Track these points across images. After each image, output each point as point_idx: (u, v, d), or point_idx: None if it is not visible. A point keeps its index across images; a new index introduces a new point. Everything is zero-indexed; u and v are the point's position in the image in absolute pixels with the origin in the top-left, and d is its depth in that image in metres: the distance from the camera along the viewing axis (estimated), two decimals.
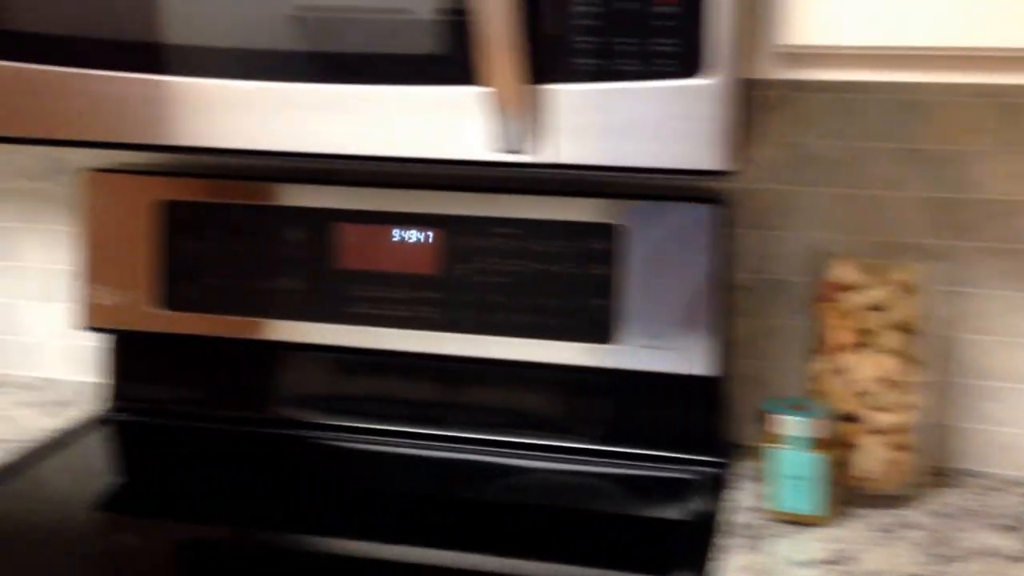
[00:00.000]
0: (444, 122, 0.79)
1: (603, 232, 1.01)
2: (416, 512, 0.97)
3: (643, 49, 0.75)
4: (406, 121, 0.80)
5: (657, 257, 1.00)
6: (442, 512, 0.98)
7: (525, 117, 0.77)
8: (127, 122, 0.86)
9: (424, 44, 0.79)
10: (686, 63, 0.74)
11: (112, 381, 1.17)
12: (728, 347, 1.04)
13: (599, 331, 1.01)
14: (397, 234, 1.03)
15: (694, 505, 0.97)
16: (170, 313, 1.11)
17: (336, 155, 0.84)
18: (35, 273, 1.25)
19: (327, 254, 1.06)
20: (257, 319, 1.09)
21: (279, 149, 0.85)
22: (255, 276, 1.08)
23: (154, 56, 0.85)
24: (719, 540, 0.90)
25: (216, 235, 1.09)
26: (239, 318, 1.09)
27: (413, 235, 1.04)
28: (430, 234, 1.04)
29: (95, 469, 1.08)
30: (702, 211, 0.99)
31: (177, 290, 1.10)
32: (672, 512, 0.98)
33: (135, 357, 1.15)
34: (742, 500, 0.97)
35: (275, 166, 1.12)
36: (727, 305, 1.03)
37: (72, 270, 1.24)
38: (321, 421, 1.12)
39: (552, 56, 0.76)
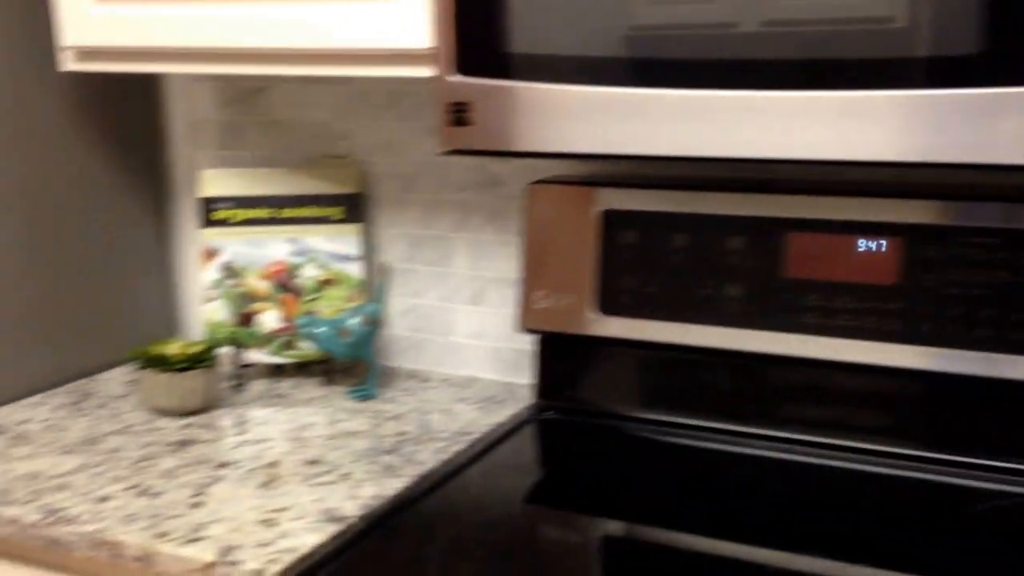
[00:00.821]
0: (978, 125, 0.77)
1: None
2: (860, 527, 0.96)
3: None
4: (929, 125, 0.79)
5: None
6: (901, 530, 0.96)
7: None
8: (604, 132, 0.91)
9: (918, 47, 0.78)
10: None
11: (542, 380, 1.24)
12: None
13: None
14: (856, 243, 1.02)
15: None
16: (605, 318, 1.16)
17: (822, 161, 0.85)
18: (464, 279, 1.36)
19: (773, 263, 1.07)
20: (693, 325, 1.11)
21: (748, 156, 0.87)
22: (693, 283, 1.11)
23: (623, 69, 0.89)
24: None
25: (654, 243, 1.13)
26: (674, 324, 1.12)
27: (868, 243, 1.02)
28: (884, 243, 1.02)
29: (529, 463, 1.14)
30: None
31: (613, 296, 1.15)
32: None
33: (567, 358, 1.21)
34: None
35: (708, 176, 1.15)
36: None
37: (497, 277, 1.33)
38: (747, 430, 1.12)
39: None
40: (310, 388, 1.32)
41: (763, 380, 1.12)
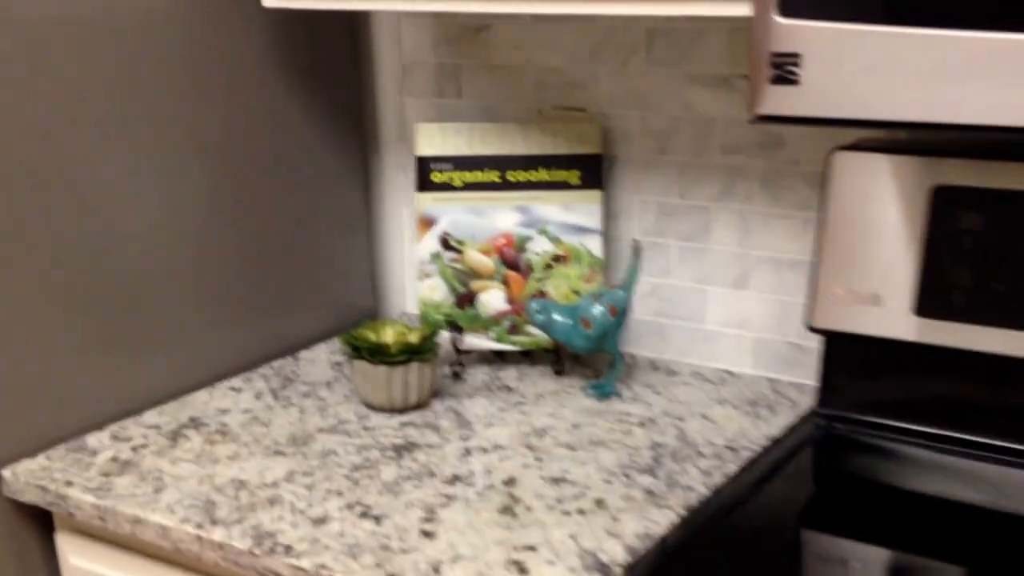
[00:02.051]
0: None
1: None
2: None
3: None
4: None
5: None
6: None
7: None
8: (1005, 96, 0.67)
9: None
10: None
11: (828, 387, 1.00)
12: None
13: None
14: None
15: None
16: (925, 320, 0.92)
17: None
18: (726, 258, 1.14)
19: None
20: None
21: None
22: None
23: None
24: None
25: (1005, 230, 0.88)
26: (1021, 334, 0.88)
27: None
28: None
29: (825, 497, 0.92)
30: None
31: (938, 293, 0.90)
32: None
33: (866, 365, 0.98)
34: None
35: None
36: None
37: (768, 257, 1.10)
38: None
39: None
40: (538, 380, 1.14)
41: None
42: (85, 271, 1.01)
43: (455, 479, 0.92)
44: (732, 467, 0.94)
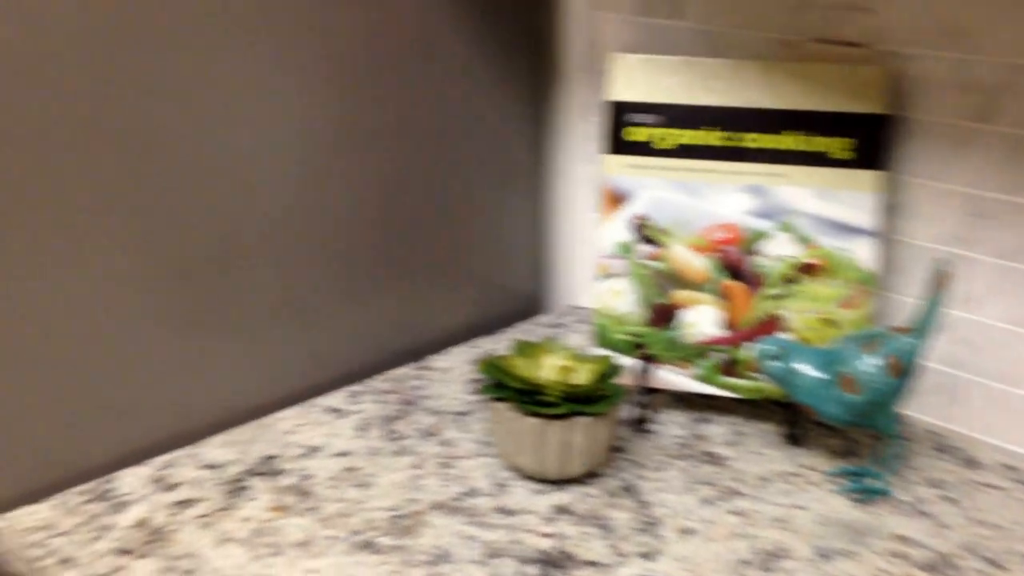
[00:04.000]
0: None
1: None
2: None
3: None
4: None
5: None
6: None
7: None
8: None
9: None
10: None
11: None
12: None
13: None
14: None
15: None
16: None
17: None
18: None
19: None
20: None
21: None
22: None
23: None
24: None
25: None
26: None
27: None
28: None
29: None
30: None
31: None
32: None
33: None
34: None
35: None
36: None
37: None
38: None
39: None
40: (760, 448, 0.77)
41: None
42: (173, 230, 0.72)
43: None
44: None
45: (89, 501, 0.69)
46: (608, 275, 0.81)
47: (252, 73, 0.75)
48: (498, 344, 0.94)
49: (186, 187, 0.73)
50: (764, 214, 0.78)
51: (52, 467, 0.71)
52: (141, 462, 0.75)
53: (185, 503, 0.69)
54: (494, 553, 0.64)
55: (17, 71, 0.64)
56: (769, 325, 0.78)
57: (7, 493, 0.69)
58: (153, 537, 0.66)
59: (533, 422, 0.69)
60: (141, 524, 0.67)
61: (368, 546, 0.65)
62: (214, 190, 0.75)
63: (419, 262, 0.90)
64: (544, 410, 0.68)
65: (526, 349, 0.74)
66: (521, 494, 0.71)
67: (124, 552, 0.64)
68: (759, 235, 0.78)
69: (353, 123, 0.82)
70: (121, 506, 0.69)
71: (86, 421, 0.72)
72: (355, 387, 0.86)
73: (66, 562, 0.63)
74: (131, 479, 0.72)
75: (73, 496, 0.70)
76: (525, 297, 1.01)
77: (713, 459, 0.75)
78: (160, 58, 0.70)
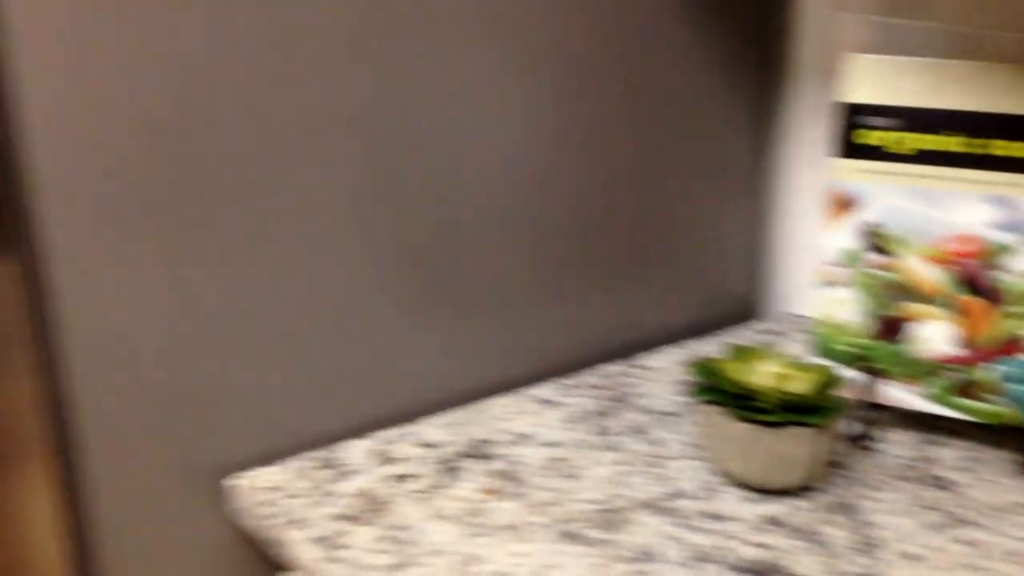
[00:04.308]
0: None
1: None
2: None
3: None
4: None
5: None
6: None
7: None
8: None
9: None
10: None
11: None
12: None
13: None
14: None
15: None
16: None
17: None
18: None
19: None
20: None
21: None
22: None
23: None
24: None
25: None
26: None
27: None
28: None
29: None
30: None
31: None
32: None
33: None
34: None
35: None
36: None
37: None
38: None
39: None
40: (994, 476, 0.72)
41: None
42: (396, 219, 0.76)
43: None
44: None
45: (317, 468, 0.74)
46: (830, 283, 0.78)
47: (484, 72, 0.77)
48: (710, 347, 0.93)
49: (417, 178, 0.77)
50: (1009, 226, 0.73)
51: (286, 434, 0.76)
52: (364, 435, 0.79)
53: (403, 477, 0.73)
54: (700, 557, 0.64)
55: (275, 66, 0.69)
56: (1011, 346, 0.73)
57: (246, 453, 0.75)
58: (373, 506, 0.69)
59: (744, 427, 0.68)
60: (362, 493, 0.71)
61: (574, 536, 0.66)
62: (443, 182, 0.78)
63: (633, 261, 0.91)
64: (758, 416, 0.67)
65: (740, 353, 0.73)
66: (730, 500, 0.70)
67: (346, 518, 0.68)
68: (1002, 248, 0.73)
69: (574, 122, 0.83)
70: (345, 475, 0.73)
71: (319, 393, 0.77)
72: (566, 380, 0.87)
73: (295, 523, 0.68)
74: (355, 451, 0.76)
75: (303, 461, 0.75)
76: (739, 301, 0.99)
77: (942, 484, 0.72)
78: (400, 56, 0.73)
